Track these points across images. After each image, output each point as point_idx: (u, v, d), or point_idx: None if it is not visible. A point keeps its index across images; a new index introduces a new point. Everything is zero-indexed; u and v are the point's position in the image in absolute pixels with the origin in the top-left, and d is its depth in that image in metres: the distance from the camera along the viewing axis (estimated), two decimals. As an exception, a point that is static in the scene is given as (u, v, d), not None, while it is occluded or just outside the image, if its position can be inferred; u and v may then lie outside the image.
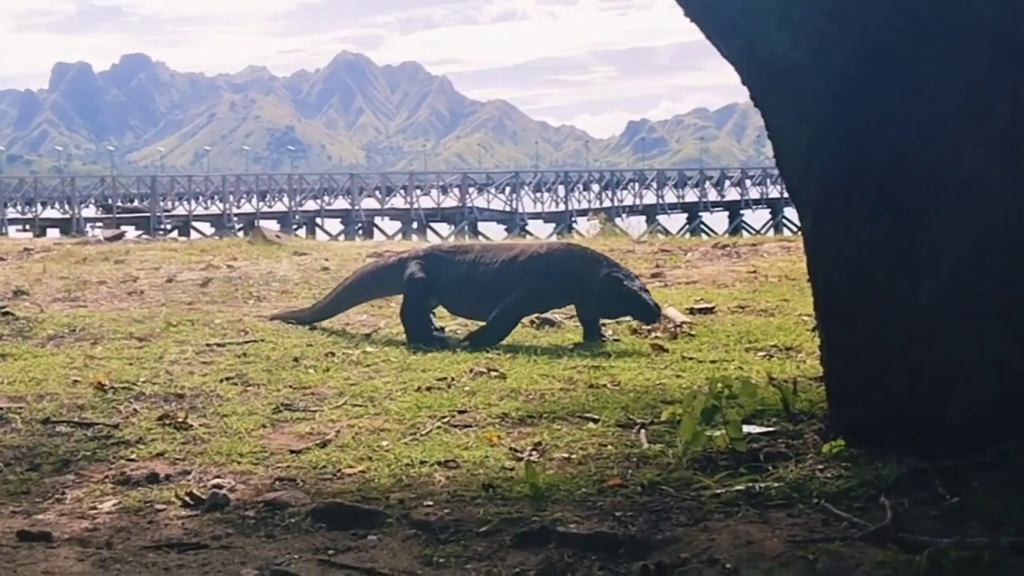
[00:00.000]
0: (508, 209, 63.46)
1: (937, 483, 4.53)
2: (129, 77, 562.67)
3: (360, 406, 6.81)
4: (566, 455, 5.58)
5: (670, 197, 68.35)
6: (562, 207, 64.27)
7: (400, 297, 9.74)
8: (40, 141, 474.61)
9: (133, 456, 5.85)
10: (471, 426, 6.25)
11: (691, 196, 68.71)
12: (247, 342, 9.19)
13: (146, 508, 5.02)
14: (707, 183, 70.37)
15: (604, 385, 7.21)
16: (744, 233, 50.25)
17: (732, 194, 70.14)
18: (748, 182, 71.24)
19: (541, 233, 52.52)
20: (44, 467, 5.69)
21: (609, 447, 5.69)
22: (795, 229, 35.91)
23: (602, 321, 9.38)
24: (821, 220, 5.29)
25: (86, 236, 28.04)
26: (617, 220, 44.16)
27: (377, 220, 62.42)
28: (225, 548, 4.48)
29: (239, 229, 47.40)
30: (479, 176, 77.56)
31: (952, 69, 4.74)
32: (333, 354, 8.58)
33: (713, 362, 8.04)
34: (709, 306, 10.53)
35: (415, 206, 62.24)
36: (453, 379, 7.50)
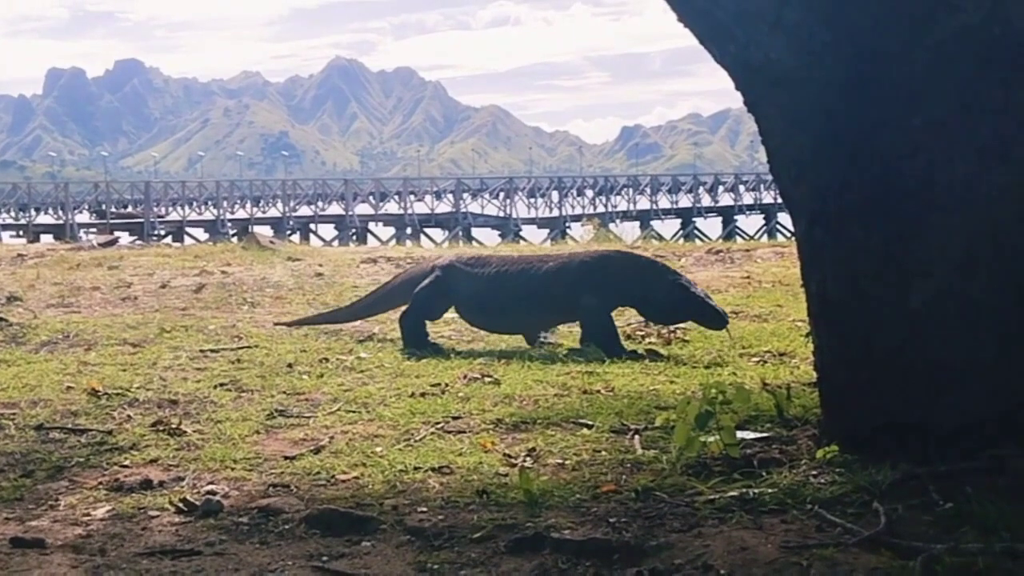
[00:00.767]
0: (502, 215, 63.52)
1: (931, 489, 4.53)
2: (123, 83, 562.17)
3: (354, 412, 6.81)
4: (560, 461, 5.58)
5: (664, 202, 68.51)
6: (556, 213, 64.36)
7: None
8: (34, 147, 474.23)
9: (127, 462, 5.84)
10: (465, 432, 6.24)
11: (685, 201, 68.91)
12: (241, 348, 9.19)
13: (139, 514, 5.01)
14: (701, 188, 70.59)
15: (598, 391, 7.21)
16: (738, 238, 50.21)
17: (726, 199, 70.33)
18: (742, 187, 71.47)
19: (535, 239, 52.51)
20: (37, 473, 5.67)
21: (603, 453, 5.69)
22: (789, 234, 35.95)
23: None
24: (814, 226, 5.30)
25: (80, 242, 28.01)
26: (611, 226, 44.20)
27: (371, 225, 62.48)
28: (219, 555, 4.47)
29: (233, 235, 47.35)
30: (473, 181, 77.67)
31: (943, 75, 4.75)
32: (327, 360, 8.57)
33: (707, 368, 8.05)
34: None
35: (409, 211, 62.28)
36: (447, 385, 7.50)
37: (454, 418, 6.56)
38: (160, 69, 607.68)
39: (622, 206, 66.66)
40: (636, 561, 4.17)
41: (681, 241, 43.95)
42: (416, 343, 9.16)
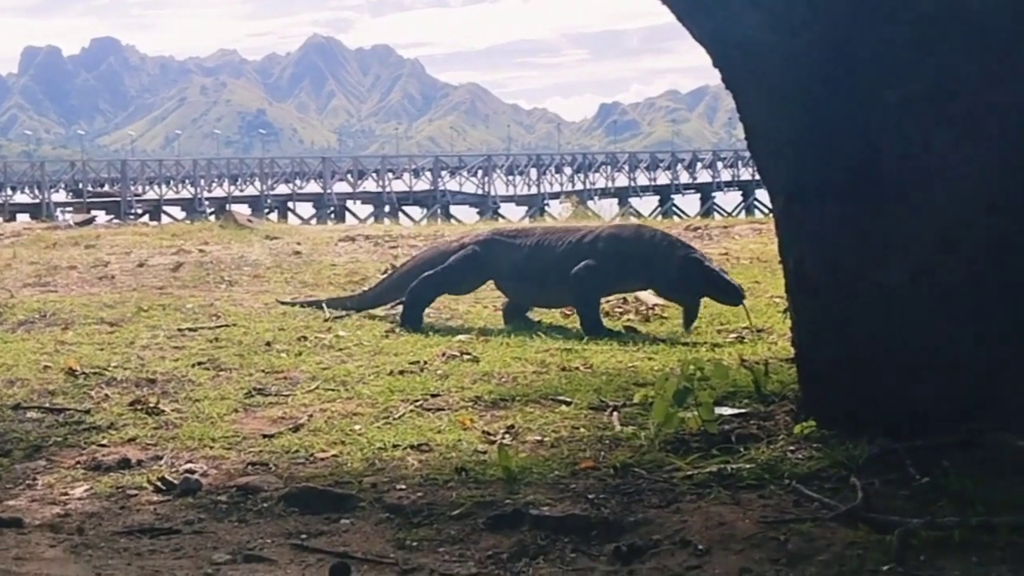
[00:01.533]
0: (480, 192, 63.50)
1: (907, 463, 4.55)
2: (99, 61, 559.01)
3: (332, 390, 6.80)
4: (539, 438, 5.59)
5: (642, 180, 68.49)
6: (534, 190, 64.31)
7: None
8: (9, 126, 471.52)
9: (105, 441, 5.83)
10: (444, 409, 6.25)
11: (663, 179, 68.84)
12: (219, 327, 9.16)
13: (118, 493, 5.00)
14: (679, 165, 70.52)
15: (576, 368, 7.22)
16: (716, 215, 50.31)
17: (704, 176, 70.33)
18: (720, 164, 71.48)
19: (513, 216, 52.50)
20: (15, 453, 5.66)
21: (582, 430, 5.70)
22: (766, 211, 35.95)
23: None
24: (792, 202, 5.31)
25: (56, 221, 27.91)
26: (589, 203, 44.08)
27: (349, 204, 62.40)
28: (197, 533, 4.48)
29: (210, 213, 47.29)
30: (451, 159, 77.43)
31: (920, 52, 4.75)
32: (305, 338, 8.56)
33: (685, 344, 8.06)
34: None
35: (387, 190, 62.14)
36: (426, 363, 7.50)
37: (433, 396, 6.56)
38: (136, 47, 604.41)
39: (600, 183, 66.57)
40: (615, 537, 4.18)
41: (659, 218, 43.95)
42: (414, 319, 9.11)
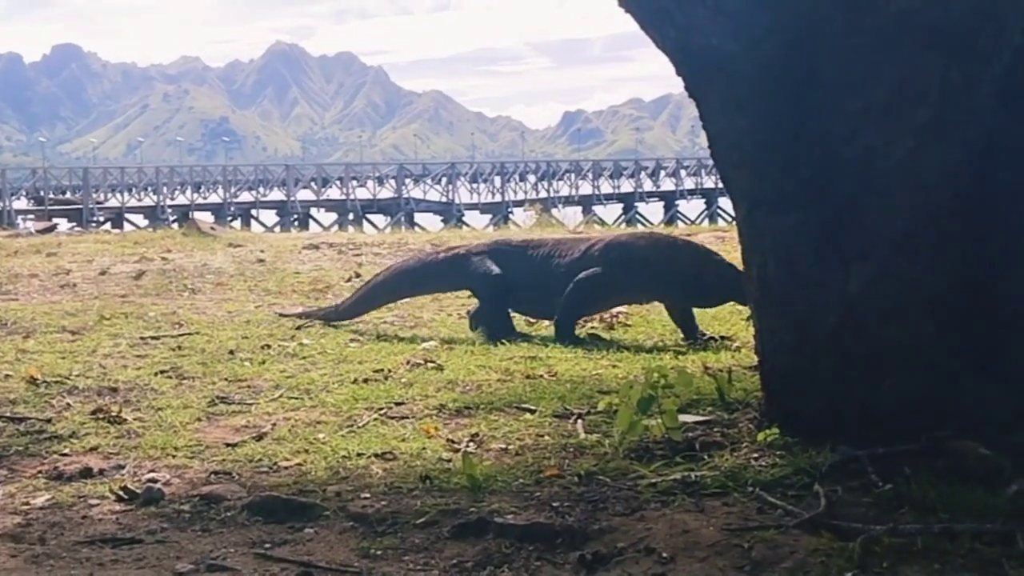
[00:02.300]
0: (445, 200, 63.43)
1: (870, 471, 4.57)
2: (60, 68, 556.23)
3: (296, 399, 6.78)
4: (503, 446, 5.59)
5: (606, 188, 68.66)
6: (498, 198, 64.34)
7: (442, 294, 9.58)
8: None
9: (66, 451, 5.79)
10: (408, 418, 6.24)
11: (627, 187, 69.02)
12: (182, 335, 9.13)
13: (80, 503, 4.97)
14: (642, 173, 70.69)
15: (541, 376, 7.22)
16: (679, 223, 50.53)
17: (667, 184, 70.56)
18: (683, 172, 71.67)
19: (478, 224, 52.50)
20: (-24, 463, 5.61)
21: (546, 437, 5.70)
22: (729, 219, 36.11)
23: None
24: (754, 210, 5.33)
25: (17, 229, 27.74)
26: (553, 211, 44.30)
27: (313, 211, 62.19)
28: (160, 543, 4.45)
29: (173, 221, 47.00)
30: (415, 167, 77.41)
31: (882, 60, 4.78)
32: (269, 347, 8.53)
33: (649, 352, 8.08)
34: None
35: (351, 197, 62.01)
36: (390, 371, 7.49)
37: (397, 404, 6.55)
38: (98, 54, 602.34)
39: (564, 191, 66.68)
40: (579, 545, 4.18)
41: (623, 226, 44.09)
42: (505, 332, 8.92)
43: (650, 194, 69.22)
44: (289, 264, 14.49)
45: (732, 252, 12.00)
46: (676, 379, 5.65)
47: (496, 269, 9.20)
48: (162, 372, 7.61)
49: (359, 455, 5.49)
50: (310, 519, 4.63)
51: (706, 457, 5.08)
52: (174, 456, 5.63)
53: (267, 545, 4.38)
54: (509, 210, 59.24)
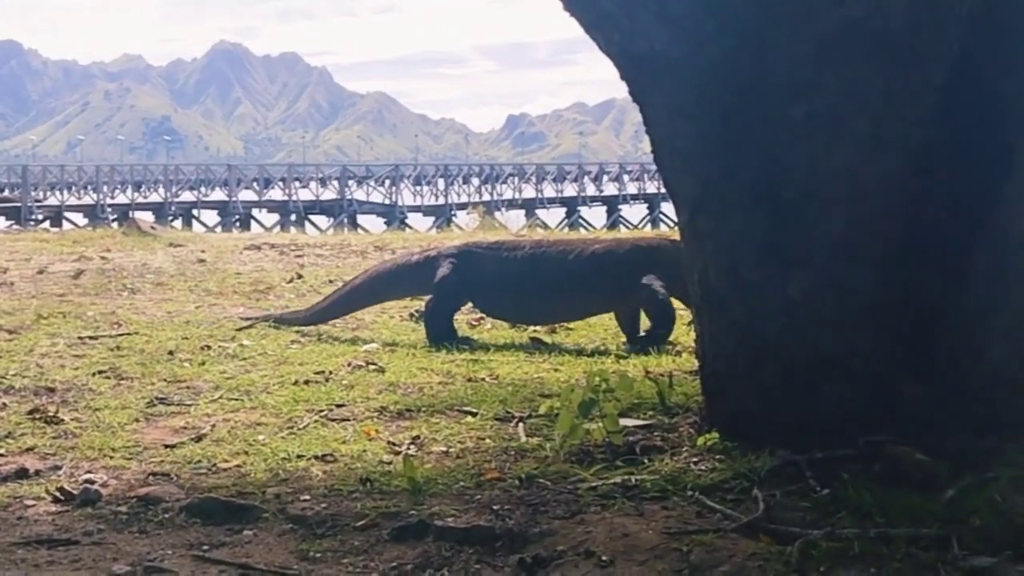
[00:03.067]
0: (388, 202, 63.31)
1: (808, 475, 4.61)
2: (0, 64, 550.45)
3: (236, 400, 6.74)
4: (444, 448, 5.58)
5: (549, 191, 68.76)
6: (442, 200, 64.33)
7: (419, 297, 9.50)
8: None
9: (2, 451, 5.73)
10: (349, 420, 6.22)
11: (570, 191, 69.18)
12: (120, 335, 9.05)
13: (15, 504, 4.92)
14: (585, 178, 70.88)
15: (482, 379, 7.22)
16: (622, 228, 50.66)
17: (610, 189, 70.79)
18: (626, 177, 71.98)
19: (421, 227, 52.43)
20: (-92, 463, 5.54)
21: (487, 440, 5.70)
22: (672, 224, 36.21)
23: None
24: (696, 215, 5.35)
25: (-46, 226, 27.38)
26: (496, 214, 44.24)
27: (255, 212, 61.90)
28: (97, 544, 4.41)
29: (113, 220, 46.56)
30: (358, 169, 77.19)
31: (825, 68, 4.81)
32: (209, 347, 8.48)
33: (591, 356, 8.10)
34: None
35: (294, 198, 61.80)
36: (331, 373, 7.46)
37: (338, 406, 6.53)
38: (39, 51, 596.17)
39: (508, 194, 66.71)
40: (519, 548, 4.18)
41: (566, 230, 44.18)
42: (445, 337, 8.73)
43: (593, 198, 69.43)
44: (230, 265, 14.41)
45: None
46: (617, 383, 5.66)
47: (449, 272, 9.11)
48: (100, 372, 7.54)
49: (299, 457, 5.47)
50: (249, 521, 4.60)
51: (646, 461, 5.09)
52: (112, 457, 5.58)
53: (205, 547, 4.35)
54: (452, 213, 59.26)
